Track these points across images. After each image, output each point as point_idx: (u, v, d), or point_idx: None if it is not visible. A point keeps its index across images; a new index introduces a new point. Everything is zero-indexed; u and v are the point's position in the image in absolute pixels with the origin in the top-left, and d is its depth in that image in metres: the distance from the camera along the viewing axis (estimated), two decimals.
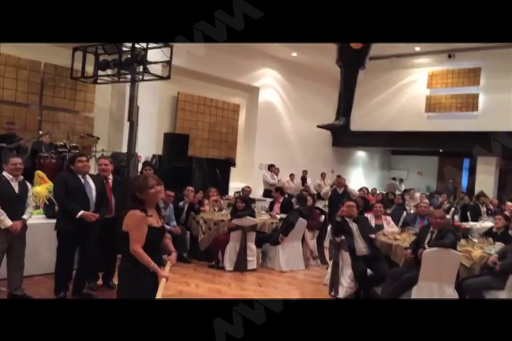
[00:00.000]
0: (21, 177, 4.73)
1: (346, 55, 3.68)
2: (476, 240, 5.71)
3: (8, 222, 4.46)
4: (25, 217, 4.65)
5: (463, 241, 5.61)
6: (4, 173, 4.61)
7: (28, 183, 4.87)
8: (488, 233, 6.19)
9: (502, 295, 4.69)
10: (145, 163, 8.41)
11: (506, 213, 7.61)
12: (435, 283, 4.80)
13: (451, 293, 4.79)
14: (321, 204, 9.58)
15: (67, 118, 9.68)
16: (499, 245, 5.44)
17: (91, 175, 5.07)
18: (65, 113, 9.69)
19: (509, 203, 10.36)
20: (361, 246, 5.56)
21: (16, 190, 4.61)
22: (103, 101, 10.37)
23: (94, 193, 4.84)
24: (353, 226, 5.63)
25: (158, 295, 2.80)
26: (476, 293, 4.79)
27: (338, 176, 10.68)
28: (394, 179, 17.88)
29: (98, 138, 9.02)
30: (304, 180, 12.59)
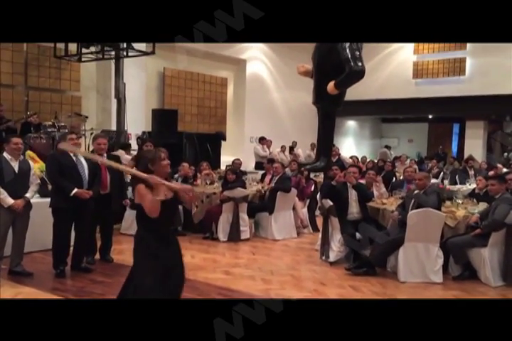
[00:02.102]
0: (21, 157, 4.82)
1: (323, 98, 3.67)
2: (460, 201, 5.88)
3: (10, 201, 4.57)
4: (27, 195, 4.75)
5: (448, 203, 5.77)
6: (4, 154, 4.68)
7: (30, 162, 4.97)
8: (472, 194, 6.37)
9: (485, 252, 4.90)
10: (141, 139, 8.45)
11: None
12: (421, 243, 5.00)
13: (435, 252, 4.99)
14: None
15: (53, 98, 9.64)
16: (483, 205, 5.61)
17: None
18: (52, 92, 9.64)
19: (500, 166, 10.48)
20: (354, 211, 5.72)
21: (16, 169, 4.69)
22: (89, 80, 10.30)
23: (86, 171, 4.93)
24: (352, 191, 5.76)
25: None
26: (460, 250, 5.00)
27: None
28: (386, 147, 18.03)
29: (86, 117, 9.01)
30: (291, 149, 12.72)
